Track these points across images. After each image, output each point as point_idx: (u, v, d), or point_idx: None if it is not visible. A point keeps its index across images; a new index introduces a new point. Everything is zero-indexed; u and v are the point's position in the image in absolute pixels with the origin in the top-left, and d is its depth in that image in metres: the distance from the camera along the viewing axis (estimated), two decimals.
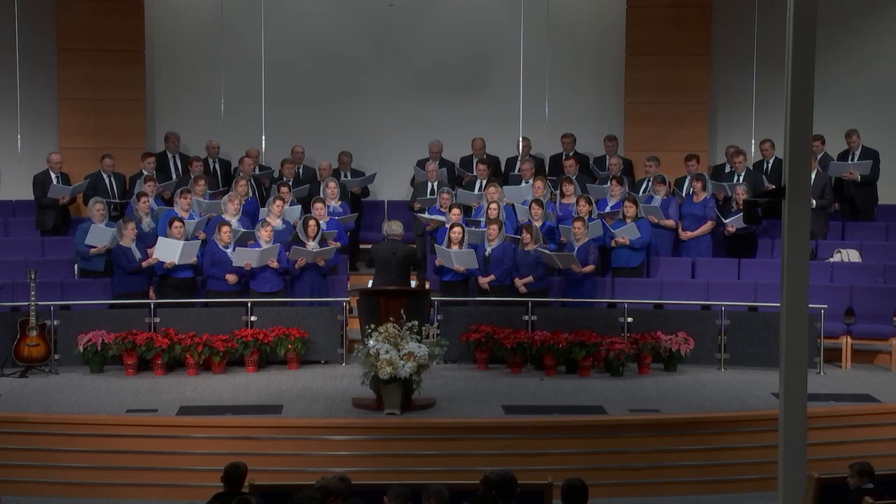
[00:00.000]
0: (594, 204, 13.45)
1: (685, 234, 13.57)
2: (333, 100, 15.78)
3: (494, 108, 15.61)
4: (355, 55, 15.86)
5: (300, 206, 13.68)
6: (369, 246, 13.19)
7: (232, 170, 14.82)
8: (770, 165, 14.25)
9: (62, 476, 9.54)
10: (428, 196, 14.24)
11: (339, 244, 13.11)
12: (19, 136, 14.79)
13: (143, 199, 13.14)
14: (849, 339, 12.47)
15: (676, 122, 15.52)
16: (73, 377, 11.70)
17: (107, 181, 14.11)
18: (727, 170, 14.35)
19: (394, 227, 12.57)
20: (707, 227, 13.50)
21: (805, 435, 6.80)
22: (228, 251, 12.46)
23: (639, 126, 15.60)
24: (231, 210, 13.03)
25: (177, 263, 12.37)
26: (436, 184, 14.31)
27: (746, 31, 15.33)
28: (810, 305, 7.00)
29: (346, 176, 14.90)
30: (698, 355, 12.23)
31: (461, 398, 10.87)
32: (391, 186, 15.61)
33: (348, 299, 12.58)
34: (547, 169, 15.07)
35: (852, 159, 14.22)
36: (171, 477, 9.53)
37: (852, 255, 13.45)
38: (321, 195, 13.67)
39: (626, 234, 13.00)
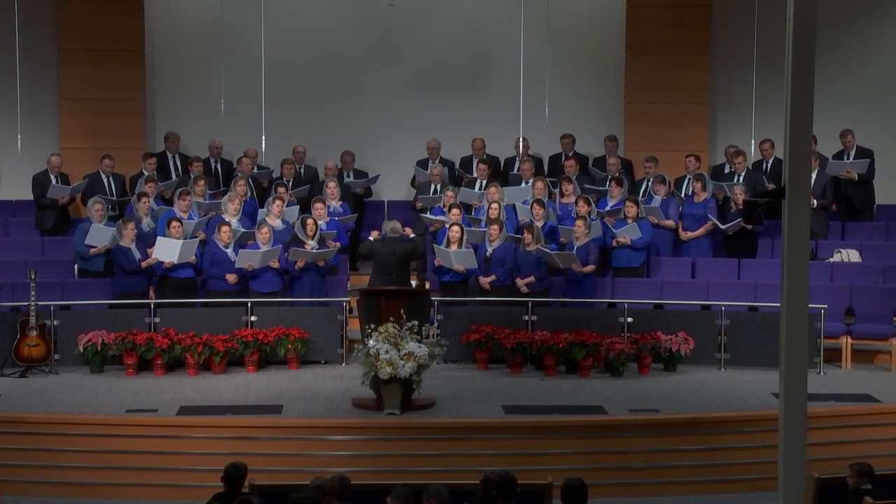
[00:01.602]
0: (593, 203, 13.46)
1: (685, 235, 13.57)
2: (333, 100, 15.78)
3: (494, 108, 15.62)
4: (355, 55, 15.86)
5: (298, 206, 13.68)
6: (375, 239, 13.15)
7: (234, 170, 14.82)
8: (769, 165, 14.25)
9: (62, 476, 9.54)
10: (431, 195, 14.25)
11: (338, 244, 13.11)
12: (19, 136, 14.79)
13: (144, 199, 13.13)
14: (849, 339, 12.46)
15: (676, 122, 15.52)
16: (73, 377, 11.70)
17: (105, 181, 14.11)
18: (727, 170, 14.36)
19: (395, 227, 12.57)
20: (707, 227, 13.50)
21: (805, 435, 6.80)
22: (228, 251, 12.46)
23: (639, 126, 15.60)
24: (231, 210, 13.03)
25: (175, 263, 12.38)
26: (439, 185, 14.31)
27: (746, 31, 15.33)
28: (810, 305, 7.00)
29: (348, 176, 14.90)
30: (698, 355, 12.22)
31: (461, 398, 10.87)
32: (391, 186, 15.61)
33: (348, 299, 12.58)
34: (546, 169, 15.08)
35: (847, 159, 14.22)
36: (171, 477, 9.53)
37: (852, 255, 13.45)
38: (322, 195, 13.67)
39: (628, 233, 13.00)
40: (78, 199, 14.39)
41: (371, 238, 12.74)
